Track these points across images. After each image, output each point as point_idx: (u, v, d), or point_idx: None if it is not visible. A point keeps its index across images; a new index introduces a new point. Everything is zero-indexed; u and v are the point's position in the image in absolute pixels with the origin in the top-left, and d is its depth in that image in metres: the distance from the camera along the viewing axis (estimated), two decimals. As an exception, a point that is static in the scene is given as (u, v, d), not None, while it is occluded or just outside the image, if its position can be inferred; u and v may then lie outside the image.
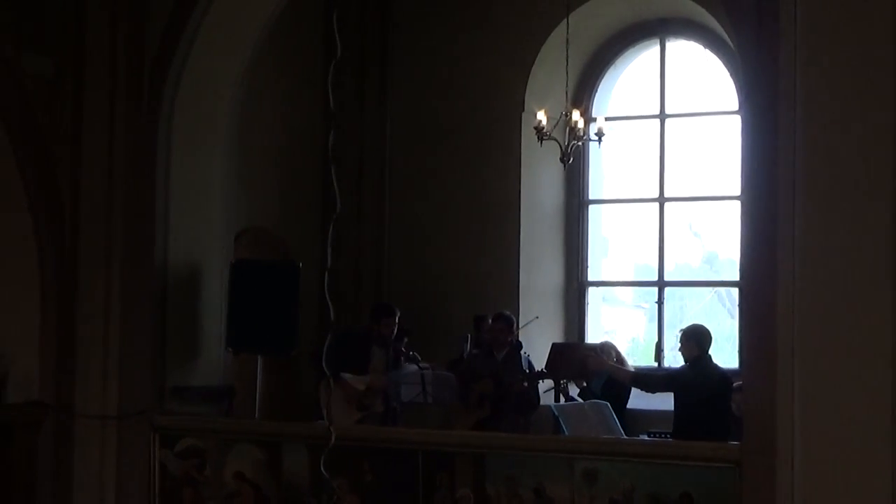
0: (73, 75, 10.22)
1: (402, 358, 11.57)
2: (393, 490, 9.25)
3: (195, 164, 10.46)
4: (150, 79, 10.17)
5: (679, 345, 10.58)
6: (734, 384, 10.54)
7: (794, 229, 7.62)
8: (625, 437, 10.34)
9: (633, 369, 11.76)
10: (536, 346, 12.53)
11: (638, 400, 11.49)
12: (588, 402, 11.04)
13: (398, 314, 11.47)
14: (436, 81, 13.98)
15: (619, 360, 11.82)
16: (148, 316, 10.08)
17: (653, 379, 11.11)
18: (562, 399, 12.14)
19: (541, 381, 11.65)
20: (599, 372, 11.42)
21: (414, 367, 11.44)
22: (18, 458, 9.86)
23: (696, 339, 10.33)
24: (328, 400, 7.08)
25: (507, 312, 11.76)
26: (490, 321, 11.73)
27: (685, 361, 10.42)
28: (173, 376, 10.19)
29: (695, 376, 10.17)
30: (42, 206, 10.11)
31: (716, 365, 10.40)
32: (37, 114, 10.06)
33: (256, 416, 10.90)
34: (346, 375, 10.99)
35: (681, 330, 10.90)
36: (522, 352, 11.50)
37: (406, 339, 11.87)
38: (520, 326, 12.30)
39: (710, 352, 10.42)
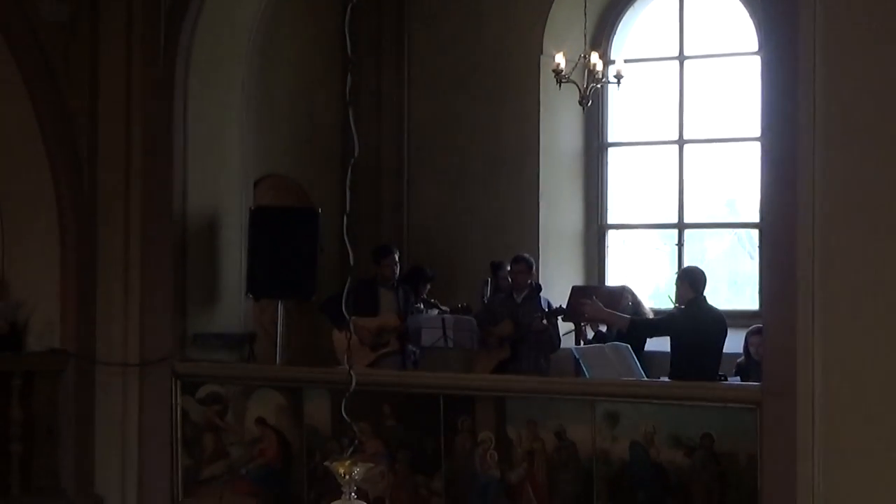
0: (88, 20, 10.19)
1: (423, 304, 11.60)
2: (415, 433, 9.29)
3: (212, 111, 10.44)
4: (166, 24, 10.14)
5: (676, 284, 10.52)
6: (752, 327, 10.55)
7: (814, 170, 7.59)
8: (646, 378, 10.35)
9: (651, 312, 11.75)
10: (556, 289, 12.52)
11: (657, 342, 11.48)
12: (608, 344, 11.04)
13: (397, 252, 11.51)
14: (453, 25, 13.91)
15: (636, 303, 11.82)
16: (168, 263, 10.10)
17: (650, 324, 11.03)
18: (582, 342, 12.15)
19: (559, 319, 11.64)
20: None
21: (434, 311, 11.47)
22: (40, 407, 9.91)
23: (690, 281, 10.27)
24: (348, 345, 7.13)
25: (526, 255, 11.75)
26: (509, 265, 11.74)
27: (680, 303, 10.35)
28: (194, 323, 10.22)
29: (689, 318, 10.12)
30: (59, 154, 10.11)
31: (710, 306, 10.32)
32: (53, 60, 10.04)
33: (277, 361, 10.94)
34: (357, 319, 11.05)
35: (676, 273, 10.90)
36: (541, 294, 11.49)
37: (429, 286, 11.88)
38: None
39: (706, 293, 10.41)
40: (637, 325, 10.69)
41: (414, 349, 11.31)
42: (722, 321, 10.17)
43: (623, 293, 12.08)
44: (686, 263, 13.12)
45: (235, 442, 9.92)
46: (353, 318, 11.01)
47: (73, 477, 10.11)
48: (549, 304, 11.45)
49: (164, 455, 10.02)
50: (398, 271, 11.51)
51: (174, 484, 10.03)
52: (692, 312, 10.17)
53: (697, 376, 9.58)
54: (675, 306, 10.64)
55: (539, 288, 11.53)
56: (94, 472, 10.17)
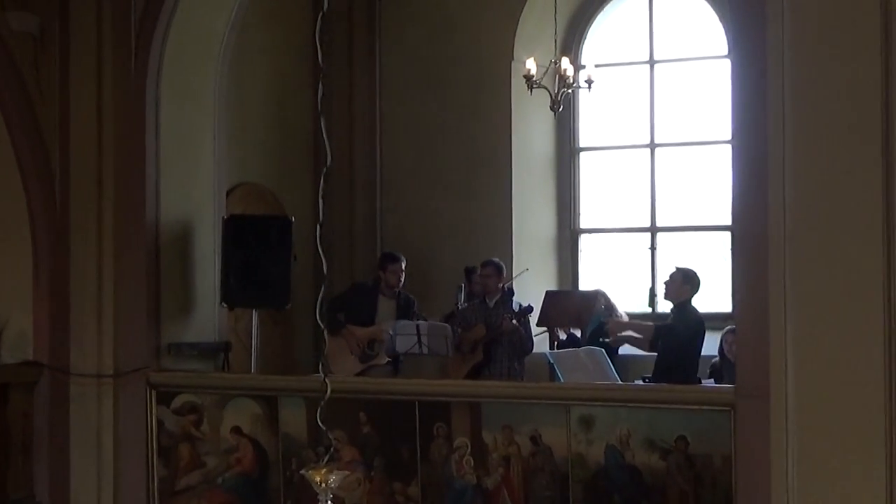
0: (58, 31, 10.16)
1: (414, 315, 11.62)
2: (391, 440, 9.30)
3: (185, 121, 10.42)
4: (137, 35, 10.11)
5: (671, 283, 10.50)
6: (728, 327, 10.61)
7: (785, 172, 7.62)
8: (620, 382, 10.38)
9: (625, 316, 11.79)
10: (530, 294, 12.55)
11: (630, 346, 11.53)
12: (583, 348, 11.07)
13: (404, 261, 11.50)
14: (424, 32, 13.94)
15: (609, 307, 11.88)
16: (141, 273, 10.07)
17: (666, 328, 10.91)
18: (556, 345, 12.20)
19: (529, 317, 11.66)
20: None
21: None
22: (14, 419, 9.87)
23: (691, 283, 10.34)
24: (325, 352, 7.15)
25: (496, 259, 11.78)
26: (479, 270, 11.78)
27: (672, 302, 10.37)
28: (168, 333, 10.19)
29: (681, 319, 10.20)
30: (31, 165, 10.07)
31: (694, 308, 10.42)
32: (23, 71, 10.01)
33: (252, 370, 10.93)
34: (351, 327, 11.11)
35: (677, 268, 10.85)
36: (514, 299, 11.52)
37: (416, 303, 11.84)
38: (513, 277, 12.32)
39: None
40: (660, 330, 10.65)
41: (390, 355, 11.32)
42: (703, 324, 10.26)
43: (597, 296, 12.13)
44: (659, 267, 13.19)
45: (211, 451, 9.90)
46: (349, 327, 11.11)
47: (48, 489, 10.07)
48: (520, 307, 11.49)
49: (140, 466, 9.99)
50: (403, 280, 11.51)
51: (150, 495, 10.00)
52: (684, 314, 10.23)
53: (682, 378, 9.63)
54: (670, 308, 10.66)
55: (511, 292, 11.58)
56: (70, 484, 10.13)
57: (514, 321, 11.18)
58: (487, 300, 11.47)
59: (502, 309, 11.31)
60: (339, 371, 11.08)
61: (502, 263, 11.79)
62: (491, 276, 11.45)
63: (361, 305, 11.34)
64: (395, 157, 13.95)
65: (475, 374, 11.10)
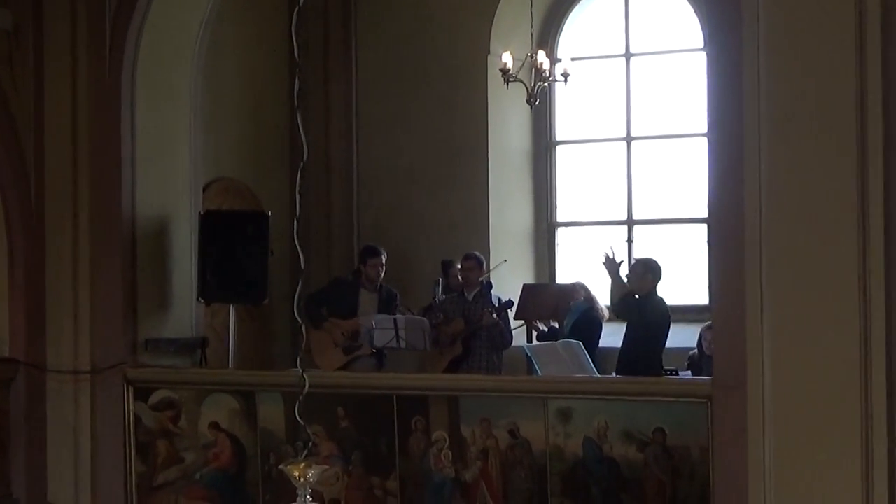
0: (32, 27, 10.13)
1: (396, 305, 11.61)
2: (369, 435, 9.30)
3: (160, 116, 10.40)
4: (111, 30, 10.09)
5: (633, 275, 10.44)
6: (707, 322, 10.62)
7: (761, 165, 7.65)
8: (597, 375, 10.39)
9: (606, 309, 11.76)
10: (507, 287, 12.56)
11: (609, 338, 11.55)
12: (560, 341, 11.09)
13: (384, 255, 11.49)
14: (401, 26, 13.93)
15: (589, 299, 11.87)
16: (118, 269, 10.05)
17: (632, 304, 10.83)
18: (534, 337, 12.21)
19: (510, 311, 11.68)
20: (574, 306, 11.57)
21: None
22: (-8, 416, 9.87)
23: (653, 274, 10.34)
24: (303, 347, 7.15)
25: (476, 252, 11.80)
26: (459, 263, 11.77)
27: (636, 294, 10.33)
28: (145, 329, 10.17)
29: (650, 311, 10.18)
30: (6, 161, 10.05)
31: (661, 299, 10.41)
32: (-3, 67, 10.00)
33: (230, 366, 10.93)
34: (333, 320, 11.12)
35: (636, 259, 10.88)
36: (492, 292, 11.53)
37: (399, 296, 11.82)
38: (490, 269, 12.33)
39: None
40: (627, 299, 10.51)
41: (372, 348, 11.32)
42: (669, 316, 10.27)
43: (577, 289, 12.13)
44: (635, 259, 13.18)
45: (189, 447, 9.89)
46: (330, 318, 11.13)
47: (25, 486, 10.06)
48: (499, 301, 11.50)
49: (118, 462, 9.97)
50: (383, 273, 11.50)
51: (128, 491, 9.99)
52: (651, 305, 10.23)
53: (647, 369, 9.65)
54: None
55: (490, 285, 11.58)
56: (47, 481, 10.11)
57: (495, 315, 11.19)
58: (466, 293, 11.47)
59: (481, 302, 11.31)
60: (324, 364, 11.08)
61: (483, 257, 11.81)
62: (473, 269, 11.46)
63: (343, 299, 11.34)
64: (371, 151, 13.93)
65: (454, 367, 11.10)
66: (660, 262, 10.50)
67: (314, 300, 11.24)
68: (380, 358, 11.30)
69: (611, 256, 10.28)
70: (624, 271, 10.46)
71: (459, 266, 11.77)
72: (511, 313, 11.88)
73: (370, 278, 11.42)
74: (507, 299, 11.61)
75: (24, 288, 10.08)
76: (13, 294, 10.10)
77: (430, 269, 12.77)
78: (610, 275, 10.42)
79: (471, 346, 11.20)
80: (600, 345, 11.58)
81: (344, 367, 11.12)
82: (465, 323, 11.22)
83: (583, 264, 13.98)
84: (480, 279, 11.48)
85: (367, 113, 13.97)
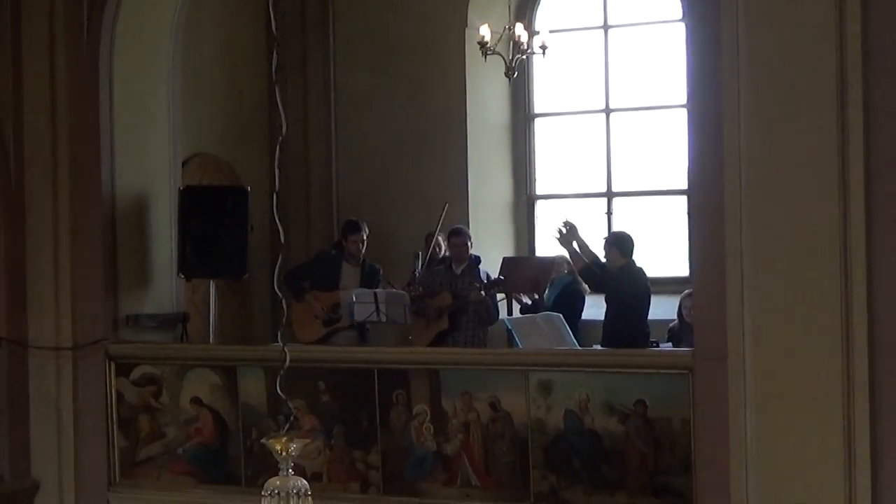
0: (10, 2, 10.08)
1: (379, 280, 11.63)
2: (350, 408, 9.31)
3: (139, 92, 10.38)
4: (89, 5, 10.05)
5: (607, 251, 10.57)
6: (686, 291, 10.66)
7: (740, 136, 7.66)
8: (578, 347, 10.42)
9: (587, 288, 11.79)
10: (487, 260, 12.55)
11: (592, 310, 11.57)
12: (541, 314, 11.09)
13: (365, 231, 11.49)
14: (378, 0, 13.89)
15: (572, 272, 11.87)
16: (98, 246, 10.04)
17: (600, 276, 10.90)
18: (515, 310, 12.21)
19: (498, 289, 11.70)
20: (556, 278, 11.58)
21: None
22: (-27, 393, 9.86)
23: (618, 247, 10.36)
24: (284, 321, 7.13)
25: (464, 227, 11.83)
26: (448, 236, 11.77)
27: (611, 269, 10.40)
28: (126, 305, 10.18)
29: (627, 283, 10.22)
30: (-15, 139, 10.03)
31: (640, 269, 10.45)
32: (-25, 45, 9.95)
33: (211, 340, 10.93)
34: (315, 292, 11.14)
35: (605, 237, 10.96)
36: (480, 266, 11.55)
37: (381, 271, 11.80)
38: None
39: (634, 257, 10.53)
40: (588, 271, 10.59)
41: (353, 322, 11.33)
42: (648, 285, 10.31)
43: (559, 262, 12.12)
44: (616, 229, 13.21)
45: (171, 422, 9.90)
46: (311, 291, 11.16)
47: (9, 462, 10.06)
48: (487, 276, 11.52)
49: (100, 437, 9.98)
50: (364, 248, 11.51)
51: (111, 466, 10.01)
52: (628, 277, 10.25)
53: (633, 340, 9.67)
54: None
55: (478, 260, 11.59)
56: (30, 457, 10.12)
57: (483, 292, 11.21)
58: (454, 267, 11.49)
59: (469, 277, 11.33)
60: (304, 336, 11.10)
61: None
62: (463, 244, 11.49)
63: (325, 273, 11.37)
64: (350, 125, 13.90)
65: (439, 341, 11.12)
66: (630, 235, 10.54)
67: (297, 274, 11.26)
68: (362, 331, 11.32)
69: (564, 231, 10.34)
70: (592, 244, 10.55)
71: (447, 241, 11.79)
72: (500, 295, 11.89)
73: (351, 253, 11.45)
74: (497, 277, 11.66)
75: (5, 264, 10.06)
76: (-7, 271, 10.08)
77: (409, 242, 12.76)
78: (566, 249, 10.52)
79: (458, 321, 11.21)
80: (583, 317, 11.60)
81: (324, 340, 11.14)
82: (453, 297, 11.23)
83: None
84: (469, 254, 11.47)
85: (345, 87, 13.94)
